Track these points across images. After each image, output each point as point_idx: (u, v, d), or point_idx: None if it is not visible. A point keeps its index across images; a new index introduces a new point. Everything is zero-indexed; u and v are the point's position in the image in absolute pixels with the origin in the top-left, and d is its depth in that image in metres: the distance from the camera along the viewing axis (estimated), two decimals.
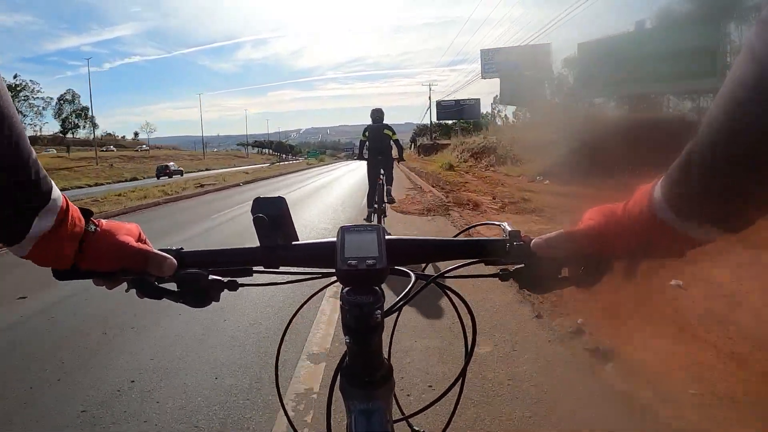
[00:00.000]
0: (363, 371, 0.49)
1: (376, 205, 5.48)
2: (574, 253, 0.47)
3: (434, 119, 51.40)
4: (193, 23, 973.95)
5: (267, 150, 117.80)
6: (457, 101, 47.33)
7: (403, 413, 0.60)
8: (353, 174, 22.63)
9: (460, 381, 0.54)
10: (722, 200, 0.36)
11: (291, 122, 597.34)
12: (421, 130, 67.29)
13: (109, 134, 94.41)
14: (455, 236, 0.61)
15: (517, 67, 27.33)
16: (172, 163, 41.77)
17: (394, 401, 0.55)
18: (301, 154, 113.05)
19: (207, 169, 50.08)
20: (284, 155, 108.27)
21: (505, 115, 64.96)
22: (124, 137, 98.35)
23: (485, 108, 50.64)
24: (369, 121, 5.64)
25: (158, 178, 32.68)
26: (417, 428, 0.62)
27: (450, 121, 49.04)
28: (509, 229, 0.52)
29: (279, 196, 0.51)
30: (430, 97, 55.37)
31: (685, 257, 0.43)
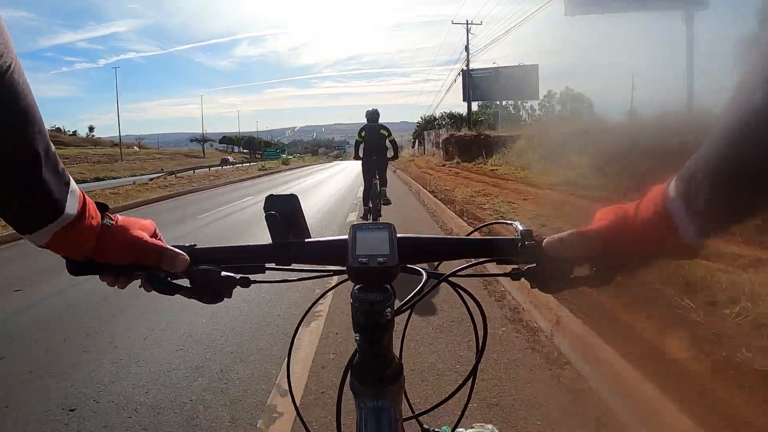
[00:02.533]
0: (373, 369, 0.48)
1: (371, 204, 5.59)
2: (586, 252, 0.46)
3: (453, 106, 34.43)
4: (191, 20, 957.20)
5: (237, 148, 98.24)
6: (496, 69, 28.14)
7: (413, 411, 0.60)
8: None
9: (471, 379, 0.54)
10: (739, 203, 0.36)
11: (287, 120, 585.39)
12: (427, 123, 51.83)
13: (58, 129, 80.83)
14: (468, 235, 0.59)
15: None
16: (230, 158, 56.15)
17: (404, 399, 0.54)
18: (292, 153, 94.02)
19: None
20: (257, 153, 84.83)
21: (531, 105, 48.77)
22: (75, 132, 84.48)
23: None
24: (364, 120, 5.60)
25: (222, 167, 39.13)
26: (427, 426, 0.61)
27: (466, 108, 33.70)
28: (521, 228, 0.51)
29: (291, 194, 0.51)
30: (467, 47, 29.03)
31: (697, 257, 0.43)
